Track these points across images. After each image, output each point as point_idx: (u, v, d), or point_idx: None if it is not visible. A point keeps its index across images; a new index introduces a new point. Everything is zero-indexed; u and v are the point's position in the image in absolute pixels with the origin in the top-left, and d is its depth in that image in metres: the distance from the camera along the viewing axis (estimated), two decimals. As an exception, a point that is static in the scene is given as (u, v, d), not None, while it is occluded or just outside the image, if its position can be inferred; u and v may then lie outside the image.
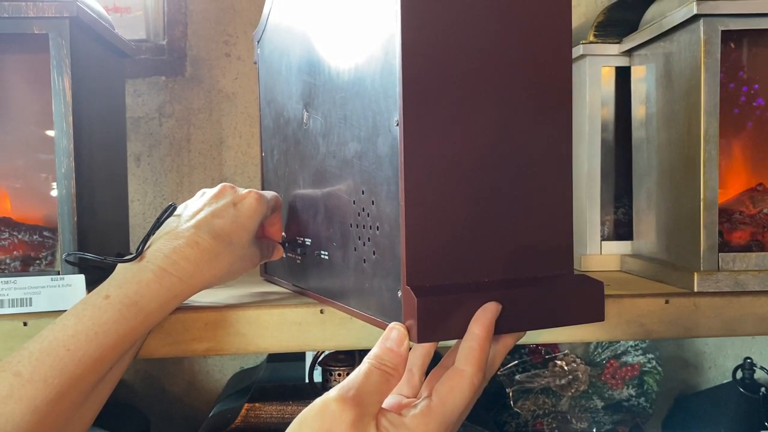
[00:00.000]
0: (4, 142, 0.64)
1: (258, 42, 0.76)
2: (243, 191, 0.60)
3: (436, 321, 0.44)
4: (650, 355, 0.93)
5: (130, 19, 0.97)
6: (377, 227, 0.48)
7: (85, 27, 0.62)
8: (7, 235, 0.62)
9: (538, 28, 0.48)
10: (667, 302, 0.63)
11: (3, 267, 0.62)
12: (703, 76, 0.63)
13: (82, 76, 0.62)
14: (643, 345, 0.93)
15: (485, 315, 0.44)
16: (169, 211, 0.57)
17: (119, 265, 0.54)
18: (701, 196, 0.63)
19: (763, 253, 0.64)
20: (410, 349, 0.45)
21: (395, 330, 0.44)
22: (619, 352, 0.93)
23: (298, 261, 0.65)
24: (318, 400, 0.42)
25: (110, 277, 0.54)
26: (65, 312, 0.51)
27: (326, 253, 0.58)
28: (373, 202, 0.49)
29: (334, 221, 0.56)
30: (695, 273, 0.63)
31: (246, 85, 0.96)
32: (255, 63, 0.77)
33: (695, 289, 0.63)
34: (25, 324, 0.58)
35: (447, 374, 0.43)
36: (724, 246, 0.66)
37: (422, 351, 0.49)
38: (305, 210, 0.63)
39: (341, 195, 0.54)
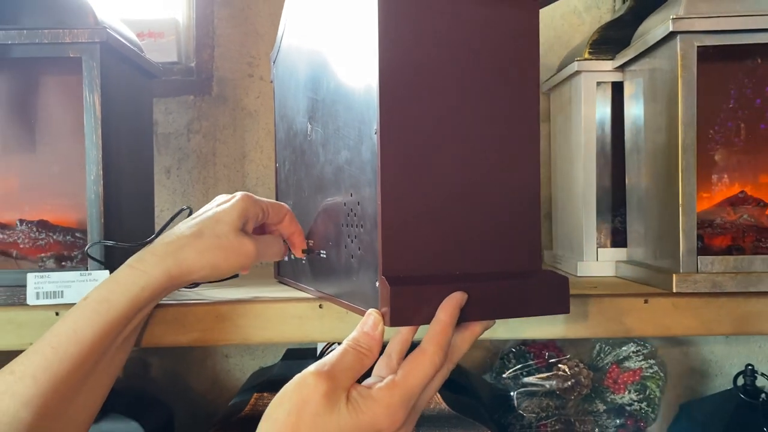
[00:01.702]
0: (43, 152, 0.72)
1: (273, 62, 0.83)
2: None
3: (407, 308, 0.49)
4: (652, 361, 0.95)
5: (163, 44, 1.05)
6: (362, 225, 0.54)
7: (114, 51, 0.69)
8: (44, 235, 0.70)
9: (505, 45, 0.53)
10: (646, 302, 0.66)
11: (40, 264, 0.69)
12: (680, 89, 0.67)
13: (111, 94, 0.69)
14: (645, 351, 0.96)
15: (450, 303, 0.49)
16: (182, 212, 0.64)
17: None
18: (680, 202, 0.67)
19: (741, 256, 0.67)
20: (385, 334, 0.50)
21: (371, 316, 0.50)
22: (621, 357, 0.96)
23: (303, 261, 0.71)
24: (297, 375, 0.47)
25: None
26: None
27: (324, 252, 0.64)
28: (358, 203, 0.55)
29: (330, 222, 0.62)
30: (674, 274, 0.66)
31: (267, 103, 1.03)
32: (271, 81, 0.84)
33: (674, 290, 0.66)
34: (57, 314, 0.65)
35: (412, 354, 0.48)
36: (707, 250, 0.69)
37: (400, 338, 0.53)
38: (309, 214, 0.68)
39: (336, 198, 0.60)
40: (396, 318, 0.49)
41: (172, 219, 0.65)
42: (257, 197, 0.64)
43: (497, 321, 0.65)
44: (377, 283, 0.51)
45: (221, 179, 1.04)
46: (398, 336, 0.54)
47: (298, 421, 0.46)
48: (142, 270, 0.57)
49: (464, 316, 0.50)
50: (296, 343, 0.64)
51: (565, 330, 0.66)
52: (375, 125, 0.51)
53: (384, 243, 0.50)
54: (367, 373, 0.51)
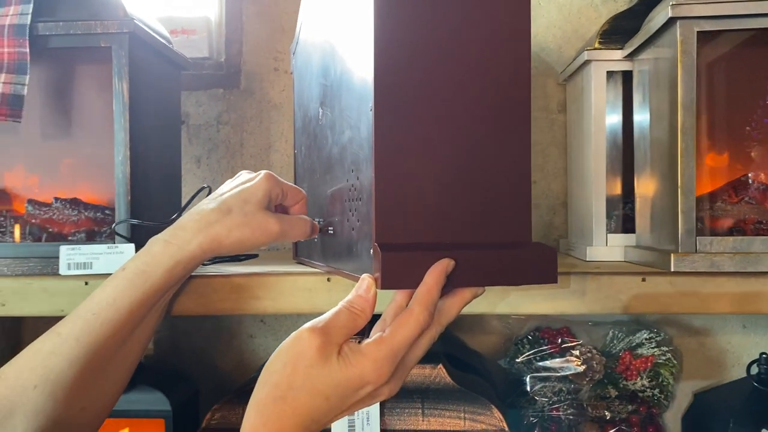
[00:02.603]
0: (77, 136, 0.78)
1: (293, 54, 0.88)
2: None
3: (398, 272, 0.52)
4: (665, 348, 0.96)
5: (195, 40, 1.11)
6: (360, 198, 0.57)
7: (142, 41, 0.75)
8: (76, 212, 0.75)
9: (497, 24, 0.56)
10: (643, 280, 0.68)
11: (72, 238, 0.75)
12: (680, 73, 0.69)
13: (139, 81, 0.74)
14: (658, 338, 0.97)
15: (437, 268, 0.52)
16: (203, 191, 0.68)
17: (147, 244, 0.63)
18: (679, 184, 0.69)
19: (740, 237, 0.68)
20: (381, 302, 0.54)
21: (365, 280, 0.53)
22: (633, 344, 0.97)
23: (316, 240, 0.75)
24: (294, 332, 0.51)
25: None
26: None
27: (332, 228, 0.68)
28: (357, 177, 0.58)
29: (336, 199, 0.65)
30: (672, 254, 0.68)
31: (291, 95, 1.08)
32: (291, 73, 0.89)
33: (672, 269, 0.68)
34: (86, 283, 0.70)
35: (400, 314, 0.52)
36: (708, 232, 0.71)
37: (394, 304, 0.57)
38: (320, 195, 0.72)
39: (341, 176, 0.64)
40: (387, 281, 0.52)
41: (193, 197, 0.69)
42: (279, 178, 0.67)
43: (499, 298, 0.68)
44: (371, 251, 0.54)
45: (248, 168, 1.08)
46: (393, 302, 0.57)
47: (293, 372, 0.49)
48: (177, 245, 0.61)
49: (453, 282, 0.53)
50: (306, 315, 0.68)
51: (563, 306, 0.69)
52: (371, 102, 0.54)
53: (377, 211, 0.53)
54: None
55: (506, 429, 0.74)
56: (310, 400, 0.49)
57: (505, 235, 0.56)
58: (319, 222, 0.72)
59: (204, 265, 0.78)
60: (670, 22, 0.69)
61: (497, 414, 0.74)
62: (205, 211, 0.62)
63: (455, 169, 0.55)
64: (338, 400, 0.50)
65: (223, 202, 0.63)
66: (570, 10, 1.07)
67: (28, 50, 0.71)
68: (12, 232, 0.75)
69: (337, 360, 0.50)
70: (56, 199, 0.76)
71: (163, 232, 0.63)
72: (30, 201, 0.76)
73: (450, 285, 0.53)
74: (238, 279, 0.70)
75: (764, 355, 0.93)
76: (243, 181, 0.66)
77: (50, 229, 0.76)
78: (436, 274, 0.51)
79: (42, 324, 0.61)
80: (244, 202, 0.63)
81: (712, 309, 0.68)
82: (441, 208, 0.55)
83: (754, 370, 0.93)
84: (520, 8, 0.57)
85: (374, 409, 0.74)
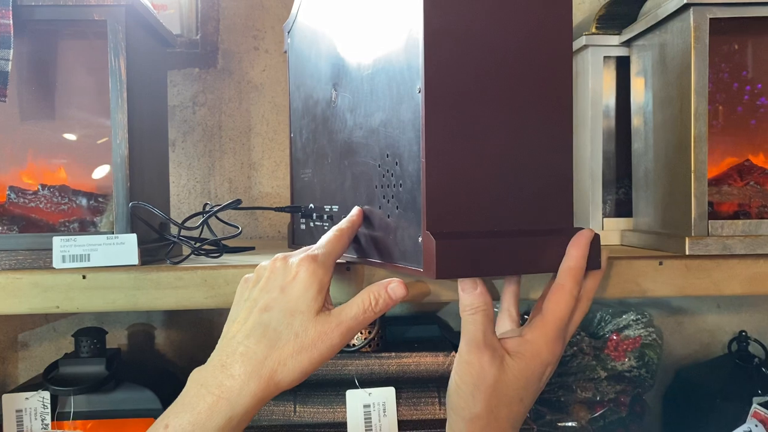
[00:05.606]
0: (64, 117, 0.72)
1: (288, 32, 0.83)
2: (295, 264, 0.55)
3: (451, 260, 0.51)
4: (651, 329, 0.99)
5: (165, 16, 1.04)
6: (400, 185, 0.55)
7: (137, 15, 0.69)
8: (66, 200, 0.69)
9: (541, 19, 0.55)
10: (660, 264, 0.69)
11: (63, 228, 0.69)
12: (693, 60, 0.70)
13: (134, 60, 0.69)
14: (644, 320, 0.99)
15: (581, 239, 0.53)
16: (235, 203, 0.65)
17: (185, 389, 0.54)
18: (692, 169, 0.70)
19: (749, 220, 0.70)
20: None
21: (465, 281, 0.53)
22: (621, 326, 0.99)
23: (326, 227, 0.72)
24: (457, 358, 0.53)
25: (174, 402, 0.53)
26: None
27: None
28: (396, 163, 0.56)
29: (360, 186, 0.63)
30: (686, 238, 0.69)
31: (273, 76, 1.03)
32: (285, 52, 0.85)
33: (686, 253, 0.69)
34: (84, 277, 0.65)
35: (551, 291, 0.53)
36: (715, 216, 0.72)
37: (510, 292, 0.58)
38: (333, 180, 0.69)
39: (367, 161, 0.61)
40: (441, 270, 0.50)
41: (225, 207, 0.65)
42: (324, 257, 0.56)
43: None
44: (419, 239, 0.52)
45: (227, 152, 1.04)
46: (507, 292, 0.59)
47: (483, 398, 0.50)
48: (226, 399, 0.51)
49: (501, 270, 0.53)
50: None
51: (584, 291, 0.69)
52: (418, 83, 0.52)
53: (428, 200, 0.51)
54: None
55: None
56: (509, 410, 0.51)
57: (550, 221, 0.56)
58: (332, 210, 0.69)
59: (210, 256, 0.74)
60: (684, 8, 0.70)
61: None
62: (249, 347, 0.52)
63: (503, 154, 0.54)
64: (530, 397, 0.52)
65: (267, 329, 0.52)
66: (554, -6, 1.07)
67: (11, 22, 0.64)
68: (-7, 223, 0.68)
69: (512, 360, 0.51)
70: (42, 186, 0.70)
71: (205, 375, 0.52)
72: (12, 188, 0.69)
73: (498, 273, 0.53)
74: (251, 270, 0.67)
75: (743, 333, 0.97)
76: (278, 284, 0.54)
77: (37, 219, 0.69)
78: (582, 246, 0.53)
79: (12, 318, 0.56)
80: (291, 316, 0.53)
81: (725, 291, 0.69)
82: (490, 194, 0.53)
83: (734, 347, 0.97)
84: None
85: (390, 399, 0.73)
